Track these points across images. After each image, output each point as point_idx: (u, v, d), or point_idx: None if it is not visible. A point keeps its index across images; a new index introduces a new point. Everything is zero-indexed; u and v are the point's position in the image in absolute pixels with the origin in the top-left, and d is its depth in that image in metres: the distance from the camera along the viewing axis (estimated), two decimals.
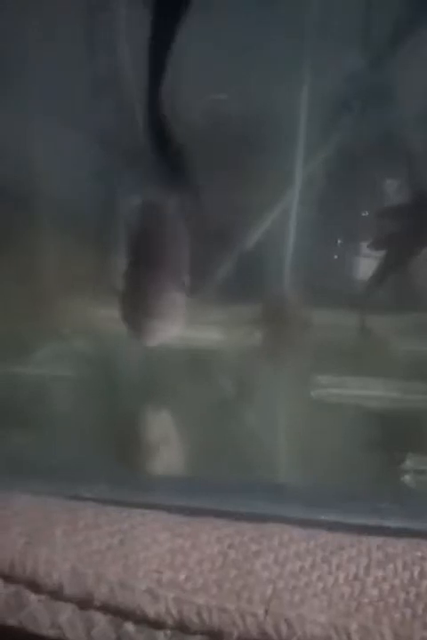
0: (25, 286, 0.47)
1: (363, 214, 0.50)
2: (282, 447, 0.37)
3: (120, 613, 0.24)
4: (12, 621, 0.24)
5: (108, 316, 0.45)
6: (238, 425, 0.38)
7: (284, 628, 0.23)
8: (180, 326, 0.44)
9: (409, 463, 0.33)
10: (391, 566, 0.24)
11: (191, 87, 0.46)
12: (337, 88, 0.47)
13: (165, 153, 0.44)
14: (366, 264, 0.50)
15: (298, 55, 0.45)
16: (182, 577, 0.24)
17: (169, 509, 0.27)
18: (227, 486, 0.29)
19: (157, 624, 0.23)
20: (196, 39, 0.44)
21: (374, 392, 0.41)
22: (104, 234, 0.48)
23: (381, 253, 0.50)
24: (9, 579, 0.25)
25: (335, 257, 0.50)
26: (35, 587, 0.24)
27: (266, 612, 0.23)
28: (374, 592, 0.23)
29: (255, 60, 0.45)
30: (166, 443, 0.37)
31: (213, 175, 0.47)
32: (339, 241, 0.51)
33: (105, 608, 0.24)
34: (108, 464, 0.32)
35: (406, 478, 0.32)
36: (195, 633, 0.23)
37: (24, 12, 0.46)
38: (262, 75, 0.45)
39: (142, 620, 0.23)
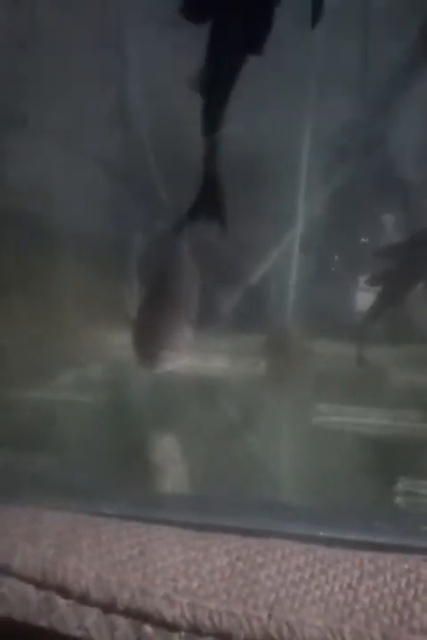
0: (44, 316, 0.50)
1: (362, 251, 0.53)
2: (284, 469, 0.40)
3: (140, 617, 0.26)
4: (43, 623, 0.27)
5: (122, 344, 0.48)
6: (243, 448, 0.41)
7: (285, 631, 0.25)
8: (186, 357, 0.46)
9: (401, 486, 0.36)
10: (381, 577, 0.27)
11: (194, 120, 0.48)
12: (338, 132, 0.51)
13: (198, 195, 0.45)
14: (365, 298, 0.53)
15: (301, 99, 0.48)
16: (195, 585, 0.27)
17: (182, 525, 0.30)
18: (235, 504, 0.32)
19: (173, 627, 0.26)
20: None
21: (370, 420, 0.44)
22: (119, 266, 0.51)
23: (378, 288, 0.53)
24: (40, 585, 0.28)
25: (336, 290, 0.53)
26: (64, 592, 0.27)
27: (269, 616, 0.26)
28: (366, 600, 0.26)
29: (260, 104, 0.48)
30: (176, 463, 0.40)
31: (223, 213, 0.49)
32: (340, 274, 0.54)
33: (127, 612, 0.27)
34: (127, 483, 0.35)
35: (398, 500, 0.35)
36: (206, 635, 0.26)
37: (38, 45, 0.49)
38: (265, 114, 0.48)
39: (160, 623, 0.26)
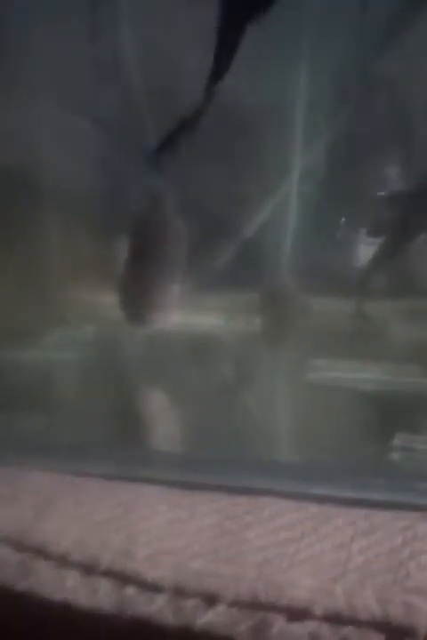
0: (30, 274, 0.48)
1: (361, 201, 0.51)
2: (277, 426, 0.39)
3: (122, 578, 0.25)
4: (21, 587, 0.26)
5: (111, 303, 0.47)
6: (235, 405, 0.40)
7: (273, 591, 0.24)
8: (173, 315, 0.45)
9: (397, 442, 0.34)
10: (376, 535, 0.25)
11: (188, 76, 0.46)
12: (336, 76, 0.48)
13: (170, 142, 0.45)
14: (365, 250, 0.51)
15: (295, 44, 0.46)
16: (181, 545, 0.26)
17: (169, 484, 0.28)
18: (223, 462, 0.31)
19: (157, 588, 0.25)
20: (192, 27, 0.45)
21: (368, 375, 0.42)
22: (107, 222, 0.49)
23: (379, 240, 0.51)
24: (19, 547, 0.27)
25: (334, 244, 0.51)
26: (43, 554, 0.26)
27: (257, 576, 0.25)
28: (359, 559, 0.25)
29: (252, 49, 0.46)
30: (166, 421, 0.39)
31: (211, 164, 0.48)
32: (337, 228, 0.52)
33: (108, 574, 0.26)
34: (112, 442, 0.34)
35: (394, 455, 0.34)
36: (192, 596, 0.25)
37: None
38: (260, 63, 0.46)
39: (143, 585, 0.25)
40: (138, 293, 0.44)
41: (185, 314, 0.48)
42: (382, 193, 0.51)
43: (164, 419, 0.40)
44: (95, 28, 0.49)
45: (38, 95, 0.48)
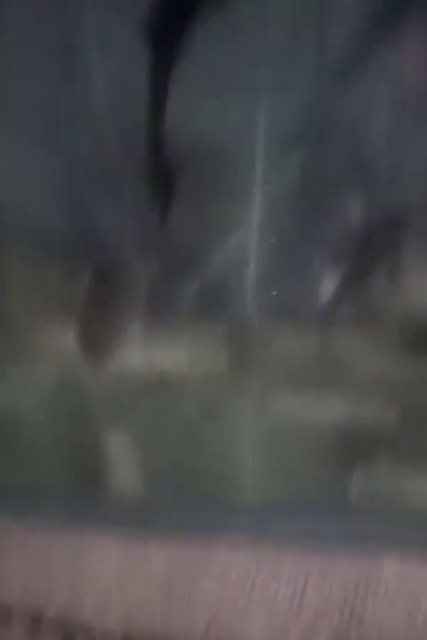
0: None
1: (322, 236, 0.52)
2: (238, 464, 0.38)
3: (69, 631, 0.24)
4: None
5: (71, 343, 0.46)
6: (197, 445, 0.39)
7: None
8: (132, 350, 0.45)
9: (357, 477, 0.34)
10: (328, 584, 0.25)
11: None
12: (296, 113, 0.49)
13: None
14: (327, 284, 0.51)
15: (256, 80, 0.46)
16: (130, 595, 0.25)
17: (122, 529, 0.28)
18: (177, 504, 0.30)
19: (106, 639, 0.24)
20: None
21: (330, 410, 0.42)
22: (71, 260, 0.49)
23: (340, 274, 0.51)
24: None
25: (296, 278, 0.52)
26: None
27: (207, 630, 0.24)
28: (311, 610, 0.24)
29: (213, 84, 0.47)
30: (125, 463, 0.38)
31: (175, 201, 0.48)
32: (301, 260, 0.52)
33: (55, 626, 0.25)
34: (66, 488, 0.33)
35: (353, 491, 0.33)
36: None
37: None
38: (221, 100, 0.47)
39: (90, 637, 0.24)
40: (96, 332, 0.43)
41: (148, 351, 0.47)
42: (343, 227, 0.52)
43: (123, 461, 0.39)
44: (68, 69, 0.49)
45: (7, 133, 0.48)
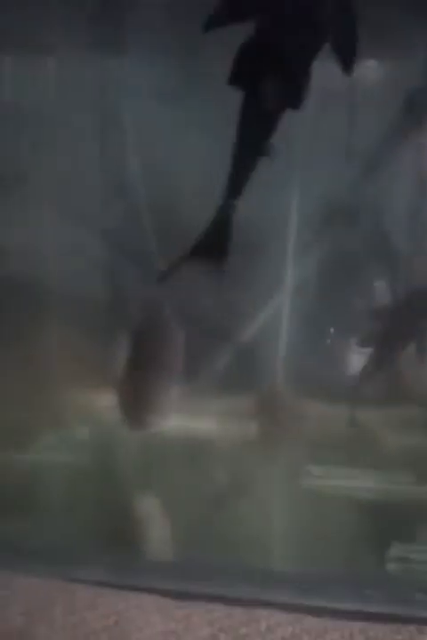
0: (30, 376, 0.49)
1: (352, 313, 0.53)
2: (273, 534, 0.38)
3: None
4: None
5: (108, 406, 0.47)
6: (231, 512, 0.40)
7: None
8: (171, 419, 0.45)
9: (394, 551, 0.34)
10: None
11: (188, 194, 0.49)
12: (325, 196, 0.51)
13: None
14: (356, 360, 0.52)
15: (288, 166, 0.49)
16: None
17: (162, 593, 0.28)
18: (219, 571, 0.30)
19: None
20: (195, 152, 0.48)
21: (362, 483, 0.42)
22: (108, 330, 0.51)
23: (370, 350, 0.52)
24: None
25: (326, 353, 0.53)
26: None
27: None
28: None
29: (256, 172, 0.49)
30: (160, 527, 0.39)
31: (208, 275, 0.50)
32: (330, 337, 0.53)
33: None
34: (104, 548, 0.33)
35: (391, 566, 0.33)
36: None
37: (38, 113, 0.50)
38: (255, 182, 0.49)
39: None
40: (136, 397, 0.44)
41: (181, 418, 0.48)
42: (371, 306, 0.53)
43: (157, 524, 0.39)
44: (104, 146, 0.52)
45: (47, 209, 0.51)
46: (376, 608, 0.27)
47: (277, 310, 0.51)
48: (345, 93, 0.50)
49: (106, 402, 0.48)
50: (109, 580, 0.28)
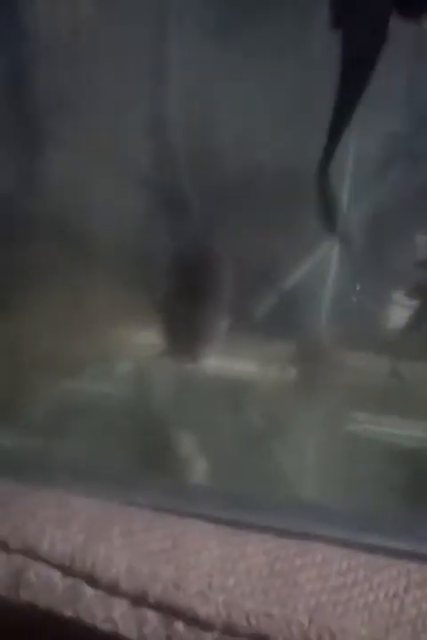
0: (78, 313, 0.49)
1: (400, 264, 0.52)
2: (320, 474, 0.39)
3: (172, 612, 0.25)
4: (68, 612, 0.26)
5: (149, 343, 0.48)
6: (272, 453, 0.40)
7: (327, 638, 0.24)
8: (213, 354, 0.46)
9: None
10: None
11: (236, 135, 0.48)
12: (379, 147, 0.50)
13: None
14: (402, 311, 0.51)
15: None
16: (231, 583, 0.26)
17: (216, 520, 0.28)
18: (271, 503, 0.31)
19: (207, 625, 0.25)
20: (241, 94, 0.47)
21: (405, 431, 0.42)
22: (149, 272, 0.51)
23: (415, 302, 0.51)
24: (68, 572, 0.26)
25: (372, 303, 0.52)
26: (92, 581, 0.26)
27: (310, 621, 0.24)
28: (413, 611, 0.24)
29: (301, 116, 0.48)
30: (203, 461, 0.39)
31: (260, 219, 0.49)
32: (376, 288, 0.53)
33: (158, 606, 0.25)
34: (158, 474, 0.34)
35: None
36: (242, 636, 0.24)
37: (74, 57, 0.49)
38: (309, 131, 0.48)
39: (192, 621, 0.25)
40: (180, 329, 0.44)
41: (223, 359, 0.48)
42: (420, 257, 0.52)
43: (198, 458, 0.40)
44: (145, 89, 0.51)
45: (90, 152, 0.50)
46: None
47: (324, 258, 0.51)
48: (411, 40, 0.48)
49: (147, 340, 0.49)
50: (165, 505, 0.29)
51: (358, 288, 0.52)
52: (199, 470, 0.39)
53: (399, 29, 0.48)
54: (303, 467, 0.39)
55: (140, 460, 0.36)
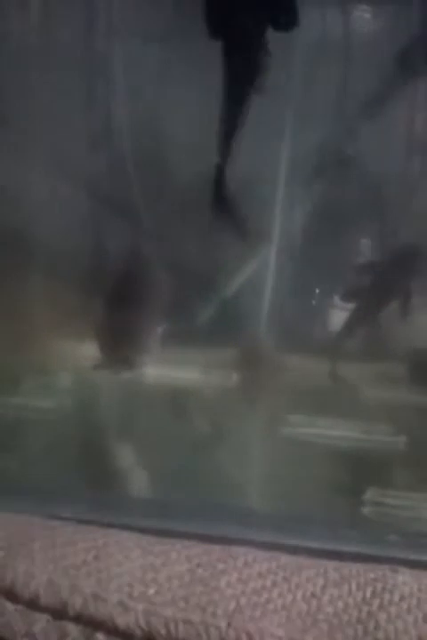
0: (11, 323, 0.49)
1: (336, 268, 0.53)
2: (252, 479, 0.39)
3: (92, 624, 0.25)
4: None
5: (90, 355, 0.47)
6: (211, 458, 0.40)
7: None
8: (153, 359, 0.46)
9: (369, 496, 0.35)
10: (346, 586, 0.26)
11: (177, 142, 0.49)
12: (314, 151, 0.51)
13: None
14: (339, 314, 0.52)
15: (277, 120, 0.48)
16: (152, 591, 0.26)
17: (141, 530, 0.28)
18: (197, 510, 0.31)
19: (127, 635, 0.25)
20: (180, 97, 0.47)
21: (341, 432, 0.43)
22: (89, 278, 0.50)
23: (352, 305, 0.53)
24: None
25: (309, 307, 0.53)
26: (12, 596, 0.26)
27: (228, 625, 0.25)
28: (330, 609, 0.25)
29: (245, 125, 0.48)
30: (139, 472, 0.39)
31: (198, 227, 0.50)
32: (313, 291, 0.54)
33: (78, 618, 0.25)
34: (85, 487, 0.33)
35: (366, 509, 0.34)
36: None
37: (25, 63, 0.49)
38: (246, 137, 0.49)
39: (113, 631, 0.25)
40: (119, 336, 0.44)
41: (163, 367, 0.49)
42: (356, 261, 0.54)
43: (134, 468, 0.40)
44: (90, 97, 0.51)
45: (32, 160, 0.49)
46: (350, 548, 0.28)
47: (263, 263, 0.51)
48: (339, 42, 0.50)
49: (88, 351, 0.48)
50: (90, 518, 0.29)
51: (316, 290, 0.53)
52: (137, 480, 0.39)
53: (331, 41, 0.49)
54: (240, 472, 0.39)
55: (73, 474, 0.36)
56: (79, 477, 0.35)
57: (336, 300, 0.53)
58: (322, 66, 0.48)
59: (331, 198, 0.52)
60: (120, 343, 0.44)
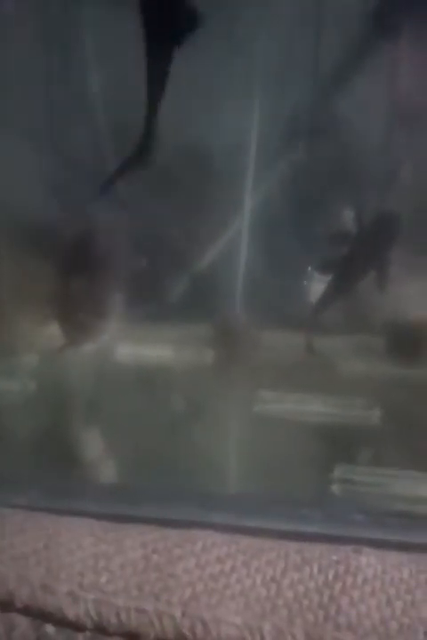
0: None
1: (311, 240, 0.52)
2: (221, 457, 0.38)
3: (41, 615, 0.24)
4: None
5: (57, 334, 0.46)
6: (179, 438, 0.39)
7: (199, 629, 0.23)
8: (113, 327, 0.45)
9: (338, 473, 0.34)
10: (308, 569, 0.25)
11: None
12: (288, 119, 0.49)
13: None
14: (314, 287, 0.51)
15: (249, 87, 0.47)
16: (104, 580, 0.24)
17: (97, 516, 0.27)
18: (156, 494, 0.30)
19: (77, 626, 0.24)
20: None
21: (314, 408, 0.42)
22: (54, 252, 0.49)
23: (328, 278, 0.51)
24: None
25: (284, 280, 0.52)
26: None
27: (183, 613, 0.23)
28: (290, 594, 0.24)
29: (207, 91, 0.47)
30: (104, 454, 0.38)
31: (166, 200, 0.48)
32: (288, 265, 0.52)
33: (26, 610, 0.24)
34: (42, 473, 0.32)
35: (334, 487, 0.33)
36: (113, 634, 0.23)
37: None
38: (214, 105, 0.47)
39: (62, 622, 0.24)
40: (76, 304, 0.43)
41: (134, 344, 0.47)
42: (331, 233, 0.52)
43: (101, 452, 0.39)
44: (60, 66, 0.49)
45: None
46: (313, 528, 0.27)
47: (236, 236, 0.50)
48: (310, 10, 0.48)
49: (54, 331, 0.47)
50: (44, 505, 0.27)
51: (288, 266, 0.51)
52: (100, 464, 0.38)
53: (304, 16, 0.47)
54: (209, 452, 0.38)
55: (32, 459, 0.34)
56: (37, 463, 0.34)
57: (312, 272, 0.51)
58: (291, 34, 0.47)
59: (305, 168, 0.50)
60: (79, 312, 0.43)
